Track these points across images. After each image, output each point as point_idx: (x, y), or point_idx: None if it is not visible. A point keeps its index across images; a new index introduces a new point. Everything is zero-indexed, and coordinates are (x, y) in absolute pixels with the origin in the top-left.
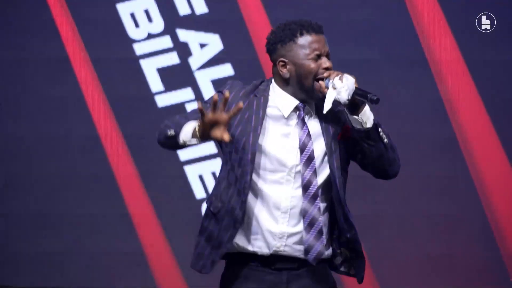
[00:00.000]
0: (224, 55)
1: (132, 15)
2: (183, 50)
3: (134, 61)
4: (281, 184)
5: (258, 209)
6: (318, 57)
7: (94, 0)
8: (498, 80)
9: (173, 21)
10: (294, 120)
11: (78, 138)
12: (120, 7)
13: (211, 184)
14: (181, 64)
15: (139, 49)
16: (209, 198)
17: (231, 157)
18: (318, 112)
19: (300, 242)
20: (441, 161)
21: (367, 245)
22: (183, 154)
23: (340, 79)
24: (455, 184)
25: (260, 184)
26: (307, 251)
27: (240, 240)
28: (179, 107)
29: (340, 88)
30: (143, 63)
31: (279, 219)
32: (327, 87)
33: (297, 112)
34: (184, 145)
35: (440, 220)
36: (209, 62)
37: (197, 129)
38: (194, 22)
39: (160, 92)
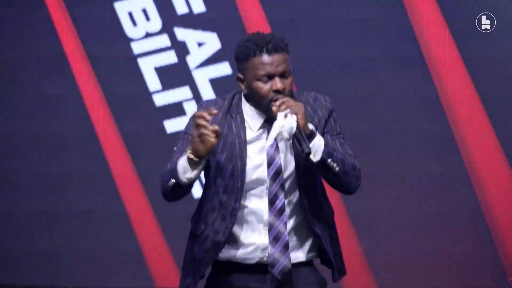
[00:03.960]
0: (222, 53)
1: (130, 14)
2: (180, 49)
3: (132, 59)
4: (261, 198)
5: (242, 226)
6: (270, 78)
7: None
8: (496, 80)
9: (170, 20)
10: (265, 134)
11: (75, 137)
12: (117, 5)
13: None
14: (178, 63)
15: (136, 48)
16: (193, 218)
17: (215, 182)
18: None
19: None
20: (439, 160)
21: (365, 244)
22: None
23: (286, 115)
24: (453, 184)
25: (246, 202)
26: (272, 265)
27: (224, 253)
28: (177, 106)
29: (282, 127)
30: (141, 61)
31: (262, 231)
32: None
33: (266, 126)
34: (190, 184)
35: (437, 219)
36: (206, 61)
37: (189, 153)
38: (191, 20)
39: (158, 91)
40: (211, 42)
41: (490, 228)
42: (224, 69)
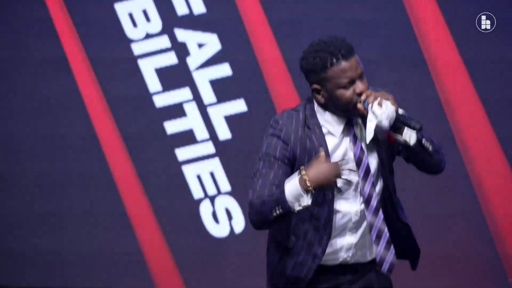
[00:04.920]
0: (222, 55)
1: (130, 15)
2: (181, 50)
3: (132, 61)
4: (349, 200)
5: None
6: (351, 82)
7: None
8: (496, 80)
9: (171, 21)
10: (347, 137)
11: (76, 138)
12: (118, 6)
13: (209, 184)
14: (179, 64)
15: (137, 49)
16: (278, 232)
17: None
18: (364, 123)
19: (363, 248)
20: None
21: None
22: (181, 154)
23: (379, 104)
24: (453, 184)
25: (336, 206)
26: (380, 264)
27: None
28: (177, 107)
29: (380, 115)
30: (141, 63)
31: (348, 232)
32: (366, 110)
33: (347, 130)
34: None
35: (437, 219)
36: (207, 62)
37: (307, 179)
38: (192, 22)
39: (158, 92)
40: (212, 43)
41: (490, 228)
42: (224, 70)
